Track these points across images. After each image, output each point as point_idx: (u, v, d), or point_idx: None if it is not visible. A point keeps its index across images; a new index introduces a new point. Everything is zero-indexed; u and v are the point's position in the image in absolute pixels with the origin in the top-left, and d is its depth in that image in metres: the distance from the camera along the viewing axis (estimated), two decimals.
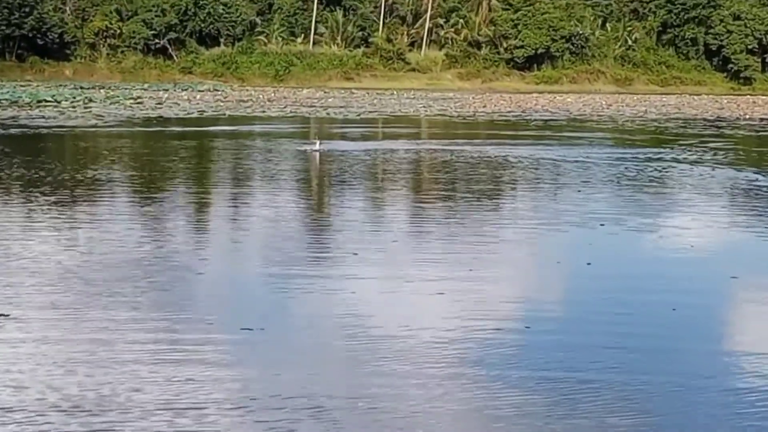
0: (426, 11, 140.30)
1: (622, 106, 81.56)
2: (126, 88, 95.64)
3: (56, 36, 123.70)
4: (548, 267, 15.02)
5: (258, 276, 13.85)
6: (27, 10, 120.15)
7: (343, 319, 11.45)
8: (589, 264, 15.12)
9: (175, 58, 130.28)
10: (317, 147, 33.14)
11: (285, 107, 68.65)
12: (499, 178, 27.05)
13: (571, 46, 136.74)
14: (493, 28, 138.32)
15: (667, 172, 29.27)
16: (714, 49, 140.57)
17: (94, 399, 8.65)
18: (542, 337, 10.88)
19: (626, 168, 29.97)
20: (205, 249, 15.79)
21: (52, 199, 20.89)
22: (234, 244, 16.44)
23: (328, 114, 61.61)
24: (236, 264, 14.86)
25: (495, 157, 32.79)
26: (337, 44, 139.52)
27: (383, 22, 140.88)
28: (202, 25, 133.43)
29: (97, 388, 8.91)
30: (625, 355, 10.23)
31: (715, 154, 35.15)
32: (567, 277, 14.46)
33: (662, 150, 36.90)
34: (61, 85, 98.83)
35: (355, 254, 15.20)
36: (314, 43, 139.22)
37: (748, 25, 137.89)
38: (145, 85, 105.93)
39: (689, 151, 36.72)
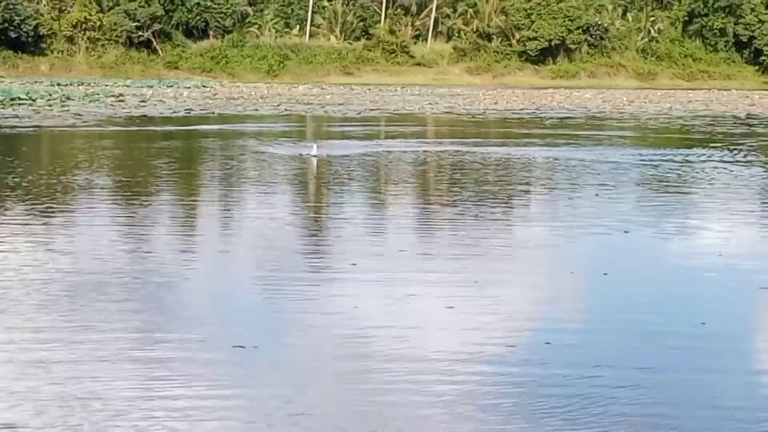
0: (432, 1, 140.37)
1: (645, 103, 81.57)
2: (107, 85, 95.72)
3: (30, 28, 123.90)
4: (565, 278, 14.96)
5: (250, 289, 13.79)
6: None
7: (344, 335, 11.39)
8: (605, 274, 15.09)
9: (159, 52, 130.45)
10: (315, 152, 31.41)
11: (279, 105, 68.69)
12: (512, 183, 26.99)
13: (589, 38, 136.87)
14: (504, 18, 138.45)
15: (693, 173, 29.21)
16: (744, 40, 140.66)
17: (77, 422, 8.60)
18: (564, 353, 10.82)
19: (649, 170, 29.91)
20: (192, 262, 15.73)
21: (24, 206, 20.83)
22: (224, 255, 16.39)
23: (326, 112, 61.63)
24: (227, 277, 14.81)
25: (508, 159, 32.74)
26: (336, 36, 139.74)
27: (386, 13, 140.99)
28: (189, 16, 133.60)
29: (80, 409, 8.86)
30: (656, 376, 10.16)
31: (746, 155, 35.09)
32: (585, 288, 14.40)
33: (688, 150, 36.85)
34: (36, 82, 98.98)
35: (354, 264, 15.15)
36: (311, 35, 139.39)
37: None
38: (128, 82, 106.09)
39: (718, 151, 36.66)
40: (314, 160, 30.50)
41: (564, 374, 10.04)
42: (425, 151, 35.86)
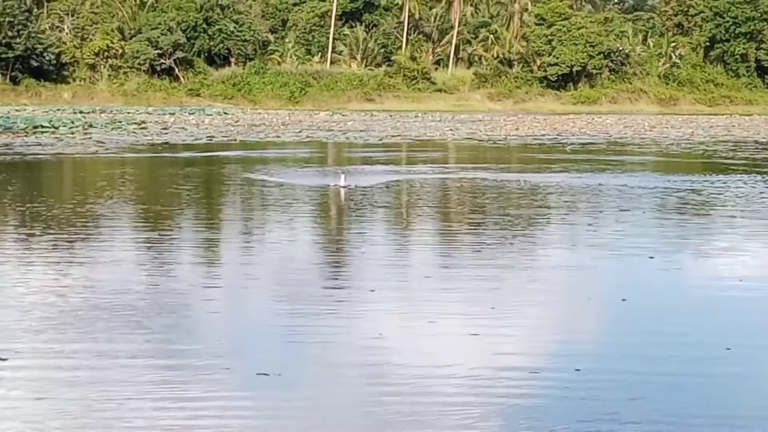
0: (453, 27, 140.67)
1: (667, 128, 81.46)
2: (129, 112, 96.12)
3: (53, 57, 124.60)
4: (590, 305, 14.92)
5: (273, 318, 13.76)
6: (19, 28, 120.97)
7: (367, 363, 11.37)
8: (624, 300, 15.06)
9: (181, 79, 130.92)
10: (343, 182, 30.39)
11: (300, 131, 68.84)
12: (535, 210, 26.95)
13: (610, 64, 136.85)
14: (525, 44, 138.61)
15: (716, 200, 29.12)
16: (766, 65, 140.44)
17: None
18: (591, 381, 10.77)
19: (671, 197, 29.83)
20: (215, 290, 15.72)
21: (46, 235, 20.88)
22: (247, 284, 16.37)
23: (347, 138, 61.73)
24: (250, 305, 14.81)
25: (530, 185, 32.69)
26: (357, 63, 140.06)
27: (407, 39, 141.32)
28: (211, 44, 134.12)
29: None
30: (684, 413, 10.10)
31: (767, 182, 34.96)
32: (609, 315, 14.34)
33: (711, 177, 36.72)
34: (59, 110, 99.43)
35: (373, 291, 15.14)
36: (332, 62, 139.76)
37: None
38: (150, 109, 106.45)
39: (741, 177, 36.53)
40: (342, 191, 29.60)
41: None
42: (456, 178, 35.81)
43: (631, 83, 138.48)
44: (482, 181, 33.63)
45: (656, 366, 11.39)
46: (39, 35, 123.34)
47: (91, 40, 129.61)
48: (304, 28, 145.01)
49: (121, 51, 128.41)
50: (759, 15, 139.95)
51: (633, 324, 13.59)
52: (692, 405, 10.02)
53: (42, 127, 67.31)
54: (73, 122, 73.42)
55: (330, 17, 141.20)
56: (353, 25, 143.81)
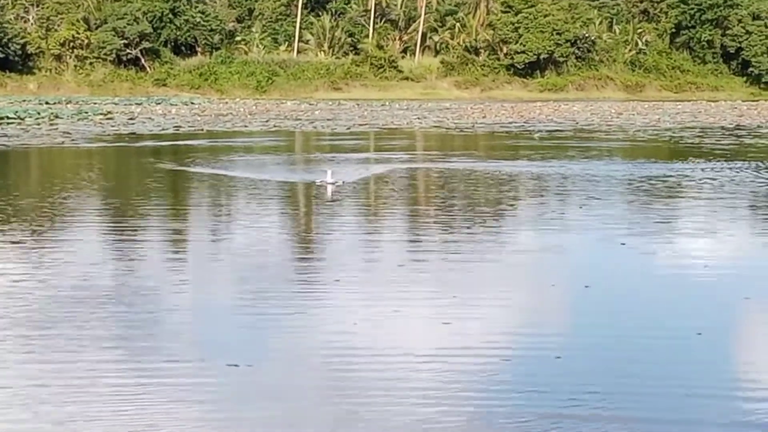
0: (419, 15, 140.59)
1: (633, 115, 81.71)
2: (95, 103, 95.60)
3: (18, 47, 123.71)
4: (568, 292, 14.98)
5: (244, 308, 13.74)
6: None
7: (340, 352, 11.38)
8: (587, 287, 15.14)
9: (148, 69, 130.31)
10: (329, 178, 28.69)
11: (268, 121, 68.67)
12: (504, 197, 27.03)
13: (576, 51, 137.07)
14: (491, 32, 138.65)
15: (682, 186, 29.27)
16: (732, 51, 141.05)
17: None
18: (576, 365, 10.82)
19: (637, 183, 29.97)
20: (184, 283, 15.69)
21: (9, 227, 20.78)
22: (215, 275, 16.36)
23: (314, 128, 61.65)
24: (218, 296, 14.79)
25: (497, 173, 32.75)
26: (324, 52, 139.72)
27: (373, 27, 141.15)
28: (178, 34, 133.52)
29: None
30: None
31: (732, 167, 35.12)
32: (592, 302, 14.38)
33: (676, 163, 36.89)
34: (24, 100, 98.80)
35: (337, 280, 15.15)
36: (299, 51, 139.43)
37: None
38: (116, 99, 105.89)
39: (707, 163, 36.70)
40: (330, 188, 28.09)
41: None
42: (415, 167, 35.82)
43: (597, 70, 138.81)
44: (446, 171, 33.64)
45: (625, 352, 11.47)
46: (4, 26, 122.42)
47: (56, 30, 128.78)
48: (271, 17, 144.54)
49: (86, 41, 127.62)
50: (724, 1, 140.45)
51: (602, 310, 13.68)
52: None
53: (7, 118, 66.87)
54: (39, 113, 72.97)
55: (296, 6, 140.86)
56: (319, 13, 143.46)
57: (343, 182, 29.16)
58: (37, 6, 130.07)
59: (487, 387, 10.10)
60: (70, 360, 10.96)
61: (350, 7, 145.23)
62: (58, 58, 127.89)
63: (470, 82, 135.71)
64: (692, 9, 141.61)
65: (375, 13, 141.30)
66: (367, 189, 29.19)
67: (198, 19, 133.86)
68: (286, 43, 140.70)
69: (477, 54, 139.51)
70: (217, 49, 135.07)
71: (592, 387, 10.07)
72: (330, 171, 29.58)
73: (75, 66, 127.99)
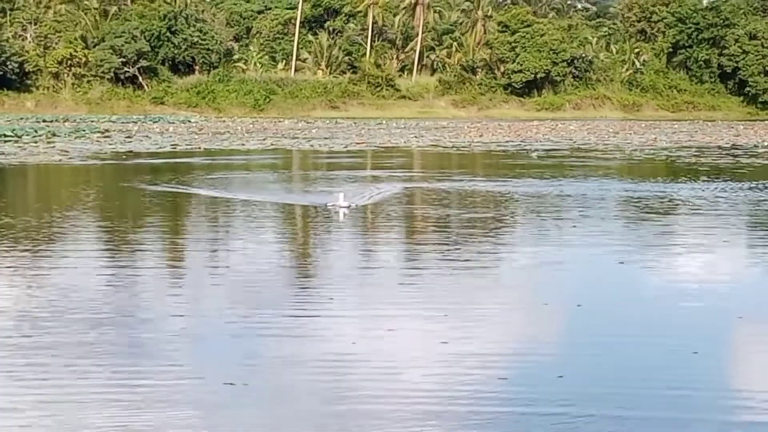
0: (417, 34, 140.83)
1: (630, 134, 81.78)
2: (92, 121, 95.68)
3: (16, 65, 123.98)
4: (565, 312, 14.92)
5: (240, 329, 13.67)
6: None
7: (340, 374, 11.32)
8: (579, 305, 15.06)
9: (145, 87, 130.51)
10: (341, 202, 26.94)
11: (265, 139, 68.69)
12: (502, 217, 26.99)
13: (573, 70, 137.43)
14: (489, 51, 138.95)
15: (680, 206, 29.24)
16: (729, 71, 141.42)
17: None
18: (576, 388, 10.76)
19: (633, 202, 29.95)
20: (180, 304, 15.61)
21: (4, 246, 20.71)
22: (214, 296, 16.29)
23: (311, 146, 61.62)
24: (216, 316, 14.71)
25: (494, 192, 32.72)
26: (322, 70, 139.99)
27: (371, 46, 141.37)
28: (176, 52, 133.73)
29: None
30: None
31: (729, 187, 35.08)
32: (594, 322, 14.31)
33: (674, 183, 36.88)
34: (21, 118, 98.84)
35: (331, 300, 15.10)
36: (296, 70, 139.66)
37: (766, 45, 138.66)
38: (114, 117, 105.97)
39: (704, 182, 36.69)
40: (341, 212, 26.47)
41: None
42: (412, 186, 35.76)
43: (594, 89, 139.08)
44: (442, 191, 33.58)
45: (623, 371, 11.42)
46: (2, 44, 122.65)
47: (54, 48, 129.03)
48: (268, 36, 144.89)
49: (84, 59, 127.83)
50: (721, 21, 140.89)
51: (595, 329, 13.62)
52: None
53: (5, 136, 66.82)
54: (36, 131, 72.94)
55: (294, 25, 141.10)
56: (317, 32, 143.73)
57: (356, 205, 27.73)
58: (35, 24, 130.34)
59: (486, 408, 10.05)
60: (64, 384, 10.90)
61: (348, 26, 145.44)
62: (56, 76, 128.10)
63: (467, 100, 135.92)
64: (689, 29, 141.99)
65: (372, 32, 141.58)
66: (382, 212, 28.05)
67: (196, 38, 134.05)
68: (284, 61, 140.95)
69: (474, 73, 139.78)
70: (215, 67, 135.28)
71: (590, 410, 10.02)
72: (342, 194, 27.79)
73: (72, 84, 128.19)
